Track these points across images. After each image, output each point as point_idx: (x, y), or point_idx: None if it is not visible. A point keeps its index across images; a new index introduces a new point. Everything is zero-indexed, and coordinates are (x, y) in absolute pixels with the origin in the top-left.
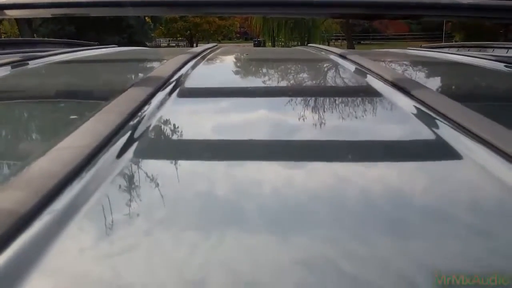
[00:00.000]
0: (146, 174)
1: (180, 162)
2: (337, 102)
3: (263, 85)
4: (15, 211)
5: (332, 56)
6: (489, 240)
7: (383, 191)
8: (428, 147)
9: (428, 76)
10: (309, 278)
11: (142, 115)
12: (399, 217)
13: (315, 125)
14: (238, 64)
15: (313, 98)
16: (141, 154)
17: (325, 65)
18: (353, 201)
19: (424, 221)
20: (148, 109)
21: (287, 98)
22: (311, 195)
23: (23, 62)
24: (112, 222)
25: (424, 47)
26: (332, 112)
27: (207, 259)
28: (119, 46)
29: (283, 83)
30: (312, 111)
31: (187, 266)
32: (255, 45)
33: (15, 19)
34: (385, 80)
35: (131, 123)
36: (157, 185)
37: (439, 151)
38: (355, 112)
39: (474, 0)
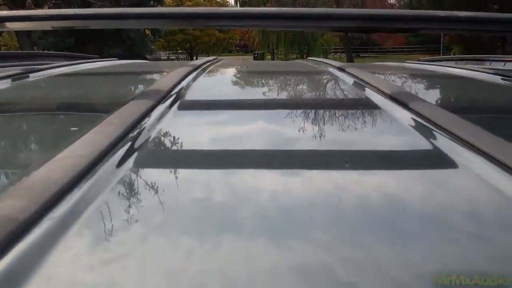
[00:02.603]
0: (145, 184)
1: (179, 173)
2: (335, 114)
3: (262, 98)
4: (14, 218)
5: (330, 69)
6: (488, 250)
7: (381, 202)
8: (425, 159)
9: (426, 89)
10: None
11: (142, 127)
12: (397, 228)
13: (313, 137)
14: (238, 77)
15: (311, 111)
16: (140, 164)
17: (323, 78)
18: (351, 212)
19: (421, 232)
20: (148, 121)
21: (286, 111)
22: (309, 206)
23: (23, 75)
24: (111, 230)
25: (422, 60)
26: (331, 124)
27: (206, 270)
28: (119, 59)
29: (282, 96)
30: (310, 123)
31: (186, 277)
32: (255, 58)
33: (15, 31)
34: (383, 93)
35: (131, 134)
36: (156, 195)
37: (437, 162)
38: (353, 124)
39: (470, 13)
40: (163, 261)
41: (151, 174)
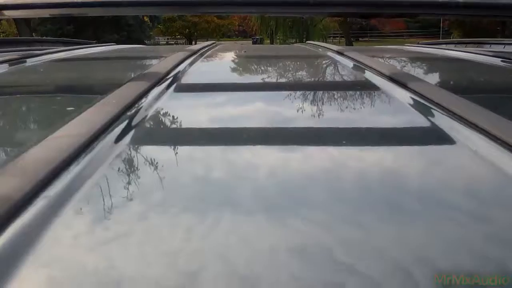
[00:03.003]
0: (142, 161)
1: (175, 150)
2: (333, 95)
3: (260, 80)
4: (10, 197)
5: (329, 53)
6: (488, 228)
7: (382, 179)
8: (425, 137)
9: (425, 71)
10: (305, 264)
11: (139, 107)
12: (396, 205)
13: (312, 118)
14: (236, 61)
15: (309, 92)
16: (136, 143)
17: (322, 61)
18: (351, 190)
19: (421, 209)
20: (145, 102)
21: (284, 92)
22: (309, 184)
23: (21, 59)
24: (107, 208)
25: (421, 44)
26: (329, 104)
27: (204, 245)
28: (117, 44)
29: (280, 78)
30: (308, 104)
31: (184, 252)
32: (253, 43)
33: (14, 18)
34: (382, 75)
35: (128, 113)
36: (152, 172)
37: (438, 140)
38: (352, 104)
39: None
40: (162, 239)
41: (147, 152)
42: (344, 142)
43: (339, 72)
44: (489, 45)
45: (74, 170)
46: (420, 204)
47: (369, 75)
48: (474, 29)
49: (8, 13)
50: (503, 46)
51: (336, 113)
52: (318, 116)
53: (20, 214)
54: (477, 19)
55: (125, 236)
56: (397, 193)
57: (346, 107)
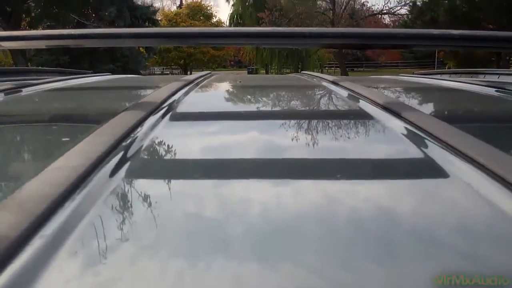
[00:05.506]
0: (138, 194)
1: (171, 183)
2: (329, 126)
3: (255, 110)
4: (7, 235)
5: (324, 83)
6: (481, 262)
7: (378, 215)
8: (420, 169)
9: (420, 100)
10: None
11: (134, 137)
12: (391, 240)
13: (307, 149)
14: (231, 90)
15: (304, 122)
16: (133, 175)
17: (317, 91)
18: (345, 224)
19: (414, 242)
20: (140, 131)
21: (279, 123)
22: (304, 218)
23: (16, 89)
24: (104, 244)
25: (416, 74)
26: (325, 135)
27: (198, 284)
28: (113, 74)
29: (275, 108)
30: (304, 135)
31: None
32: (249, 73)
33: (10, 49)
34: (376, 104)
35: (123, 144)
36: (149, 206)
37: (431, 172)
38: (348, 136)
39: (464, 31)
40: (157, 277)
41: (144, 184)
42: (340, 174)
43: (333, 102)
44: (483, 75)
45: (71, 205)
46: (416, 242)
47: (363, 105)
48: (469, 59)
49: (5, 44)
50: (497, 76)
51: (331, 144)
52: (313, 146)
53: (18, 252)
54: (471, 49)
55: (123, 274)
56: (394, 231)
57: (342, 138)
